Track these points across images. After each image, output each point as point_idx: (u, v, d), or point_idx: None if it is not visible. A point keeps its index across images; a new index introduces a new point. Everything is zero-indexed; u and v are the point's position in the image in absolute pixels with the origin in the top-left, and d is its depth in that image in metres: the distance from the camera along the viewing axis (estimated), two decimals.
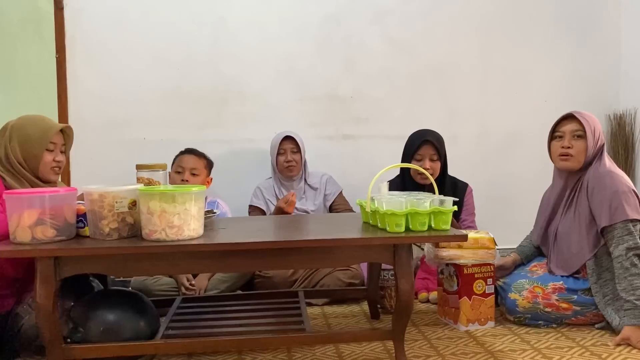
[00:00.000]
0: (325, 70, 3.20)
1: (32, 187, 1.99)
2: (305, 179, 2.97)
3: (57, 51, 3.00)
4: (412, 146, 2.66)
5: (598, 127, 2.23)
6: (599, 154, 2.22)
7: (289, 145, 2.87)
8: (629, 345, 1.99)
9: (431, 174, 2.51)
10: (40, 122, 2.05)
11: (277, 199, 2.87)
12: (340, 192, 3.00)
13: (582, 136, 2.20)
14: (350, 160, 3.22)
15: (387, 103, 3.25)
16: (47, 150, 2.01)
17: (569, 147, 2.21)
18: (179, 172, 2.73)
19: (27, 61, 3.03)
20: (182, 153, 2.81)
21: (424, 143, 2.62)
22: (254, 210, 2.90)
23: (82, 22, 3.02)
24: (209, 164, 2.85)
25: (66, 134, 2.11)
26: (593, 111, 2.34)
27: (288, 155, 2.86)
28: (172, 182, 2.76)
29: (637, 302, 1.99)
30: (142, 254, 1.67)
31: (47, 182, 2.05)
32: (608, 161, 2.22)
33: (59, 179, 2.17)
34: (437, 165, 2.64)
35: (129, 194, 1.70)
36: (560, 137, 2.25)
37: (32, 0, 3.01)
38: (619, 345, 2.00)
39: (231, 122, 3.15)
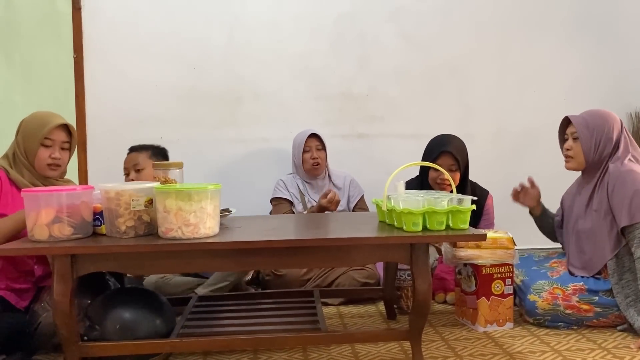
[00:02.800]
0: (339, 69, 3.19)
1: (33, 181, 1.97)
2: (329, 177, 2.95)
3: (75, 51, 3.02)
4: (430, 155, 2.58)
5: (605, 126, 2.18)
6: (614, 152, 2.17)
7: (314, 142, 2.86)
8: None
9: (448, 184, 2.47)
10: (42, 117, 2.01)
11: (302, 195, 2.86)
12: (362, 196, 2.97)
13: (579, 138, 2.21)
14: (364, 159, 3.20)
15: (402, 101, 3.22)
16: (43, 145, 1.97)
17: (568, 149, 2.25)
18: (126, 175, 2.57)
19: (45, 62, 3.06)
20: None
21: (442, 153, 2.54)
22: (280, 202, 2.84)
23: (99, 23, 3.04)
24: (155, 152, 2.55)
25: (72, 132, 2.05)
26: (613, 109, 2.29)
27: (314, 153, 2.85)
28: None
29: None
30: (159, 252, 1.67)
31: (46, 178, 2.00)
32: (629, 160, 2.17)
33: (65, 177, 2.12)
34: (456, 176, 2.55)
35: (145, 192, 1.71)
36: (566, 139, 2.28)
37: (49, 1, 3.03)
38: None
39: (246, 122, 3.15)
